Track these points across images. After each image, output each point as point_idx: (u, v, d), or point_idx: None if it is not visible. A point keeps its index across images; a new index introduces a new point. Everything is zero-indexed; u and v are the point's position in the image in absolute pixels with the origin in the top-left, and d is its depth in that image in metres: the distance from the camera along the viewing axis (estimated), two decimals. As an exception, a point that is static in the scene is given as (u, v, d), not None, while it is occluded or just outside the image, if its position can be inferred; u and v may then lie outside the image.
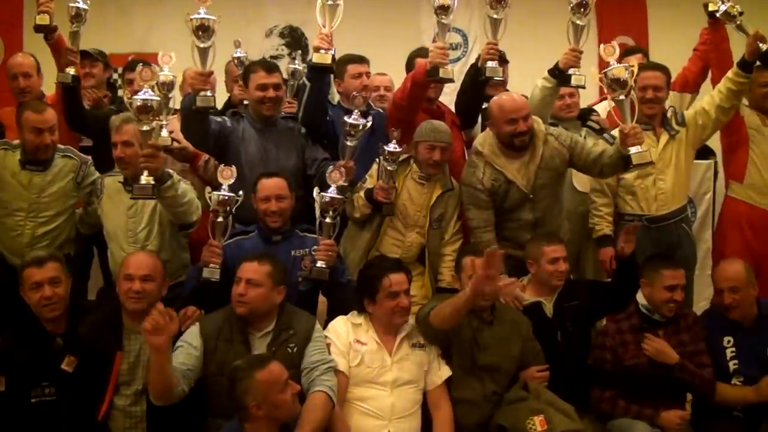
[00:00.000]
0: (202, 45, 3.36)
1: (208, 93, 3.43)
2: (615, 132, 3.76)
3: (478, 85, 3.92)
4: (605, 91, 3.63)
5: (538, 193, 3.75)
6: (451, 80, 3.77)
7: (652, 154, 3.93)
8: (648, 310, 3.53)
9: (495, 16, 3.67)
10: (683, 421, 3.37)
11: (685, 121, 4.04)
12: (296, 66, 4.46)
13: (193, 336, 3.12)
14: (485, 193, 3.73)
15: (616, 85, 3.46)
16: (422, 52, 3.88)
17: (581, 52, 3.75)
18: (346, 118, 3.59)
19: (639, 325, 3.53)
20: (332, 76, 3.99)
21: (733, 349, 3.57)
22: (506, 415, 3.20)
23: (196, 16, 3.32)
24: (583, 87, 3.86)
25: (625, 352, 3.48)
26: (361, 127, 3.59)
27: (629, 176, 3.93)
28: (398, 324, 3.30)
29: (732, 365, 3.55)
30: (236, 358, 2.98)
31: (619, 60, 3.56)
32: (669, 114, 4.04)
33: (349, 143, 3.60)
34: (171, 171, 3.39)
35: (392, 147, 3.62)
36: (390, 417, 3.18)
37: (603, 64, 3.66)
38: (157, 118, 3.29)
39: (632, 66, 3.49)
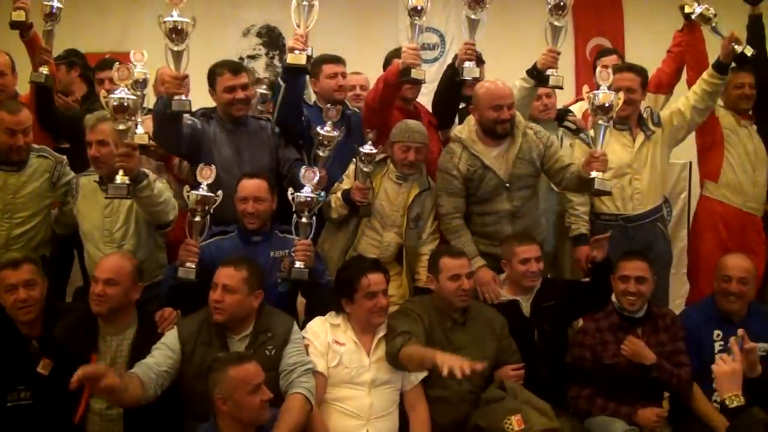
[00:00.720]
0: (175, 48, 3.26)
1: (183, 97, 3.38)
2: (592, 132, 3.79)
3: (455, 86, 3.93)
4: (588, 110, 3.66)
5: (514, 182, 3.76)
6: (423, 81, 3.78)
7: (629, 155, 3.99)
8: (621, 307, 3.57)
9: (473, 16, 3.67)
10: (660, 419, 3.39)
11: (660, 122, 4.08)
12: (263, 90, 4.42)
13: (171, 339, 3.10)
14: (459, 180, 3.75)
15: (600, 110, 3.49)
16: (400, 52, 3.88)
17: (559, 53, 3.77)
18: (319, 129, 3.58)
19: (618, 324, 3.55)
20: (308, 76, 3.98)
21: (722, 342, 3.60)
22: (483, 414, 3.21)
23: (169, 18, 3.23)
24: (561, 87, 3.88)
25: (604, 351, 3.51)
26: (334, 138, 3.57)
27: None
28: (376, 324, 3.30)
29: (718, 359, 3.58)
30: None
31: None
32: (645, 115, 4.08)
33: (321, 153, 3.59)
34: (147, 170, 3.35)
35: (368, 149, 3.62)
36: (368, 417, 3.18)
37: (579, 70, 3.70)
38: (133, 118, 3.26)
39: (619, 97, 3.53)
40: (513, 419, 3.10)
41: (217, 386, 2.69)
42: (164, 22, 3.23)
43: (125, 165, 3.20)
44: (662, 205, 4.22)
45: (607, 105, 3.47)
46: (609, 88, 3.51)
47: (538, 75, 3.79)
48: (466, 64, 3.70)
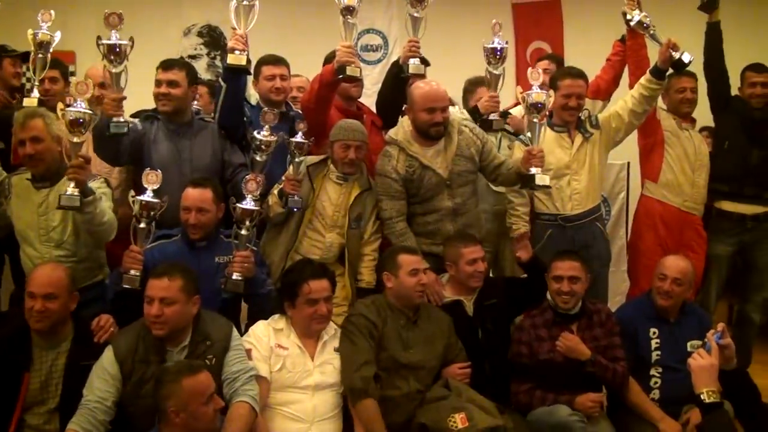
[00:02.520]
0: (114, 70, 3.25)
1: (122, 119, 3.35)
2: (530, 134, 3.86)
3: (400, 84, 3.93)
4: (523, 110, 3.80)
5: (455, 179, 3.80)
6: (359, 78, 3.82)
7: (567, 156, 4.06)
8: (555, 304, 3.63)
9: (415, 14, 3.71)
10: (596, 403, 3.45)
11: (599, 124, 4.16)
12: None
13: (109, 363, 2.98)
14: (399, 183, 3.77)
15: (533, 108, 3.63)
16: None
17: (498, 98, 3.93)
18: (255, 133, 3.53)
19: (552, 320, 3.61)
20: (251, 76, 3.94)
21: (658, 340, 3.69)
22: (428, 413, 3.22)
23: (107, 42, 3.22)
24: (505, 130, 4.02)
25: (540, 347, 3.56)
26: (271, 143, 3.53)
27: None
28: (316, 330, 3.29)
29: (654, 355, 3.67)
30: (153, 378, 2.90)
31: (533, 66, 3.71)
32: (583, 117, 4.15)
33: (258, 158, 3.53)
34: (93, 187, 3.24)
35: (299, 138, 3.59)
36: (312, 420, 3.17)
37: (520, 74, 3.81)
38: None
39: (550, 96, 3.68)
40: (457, 417, 3.11)
41: (171, 399, 2.65)
42: (102, 44, 3.20)
43: (77, 177, 3.10)
44: (600, 205, 4.31)
45: (540, 103, 3.61)
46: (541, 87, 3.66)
47: (480, 119, 3.92)
48: (411, 60, 3.72)
